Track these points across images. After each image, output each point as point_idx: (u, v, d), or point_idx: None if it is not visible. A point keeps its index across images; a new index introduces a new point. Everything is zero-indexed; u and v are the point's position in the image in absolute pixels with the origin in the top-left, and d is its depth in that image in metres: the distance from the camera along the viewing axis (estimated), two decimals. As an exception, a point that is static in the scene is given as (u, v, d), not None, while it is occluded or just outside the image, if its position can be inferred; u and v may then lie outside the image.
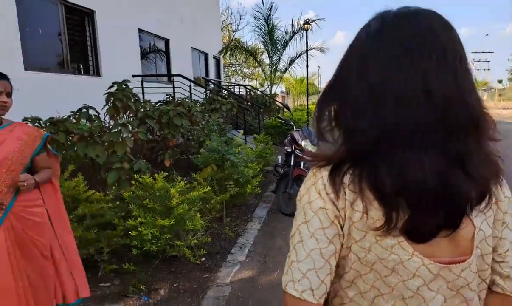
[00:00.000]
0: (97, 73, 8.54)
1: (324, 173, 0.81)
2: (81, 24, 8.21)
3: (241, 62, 26.47)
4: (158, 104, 6.98)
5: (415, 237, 0.75)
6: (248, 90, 16.55)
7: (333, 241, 0.79)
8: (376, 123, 0.74)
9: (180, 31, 12.81)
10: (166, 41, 12.30)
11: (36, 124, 3.80)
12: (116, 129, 4.07)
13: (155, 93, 8.94)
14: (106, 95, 5.64)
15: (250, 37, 45.17)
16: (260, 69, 18.43)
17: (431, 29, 0.74)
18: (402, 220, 0.73)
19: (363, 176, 0.75)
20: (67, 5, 7.63)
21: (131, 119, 5.93)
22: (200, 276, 3.51)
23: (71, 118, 4.91)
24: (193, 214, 3.77)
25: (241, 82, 25.63)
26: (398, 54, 0.74)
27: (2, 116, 2.20)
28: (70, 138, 3.93)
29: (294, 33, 15.42)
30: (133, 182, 3.73)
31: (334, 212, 0.78)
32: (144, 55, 11.28)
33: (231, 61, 29.34)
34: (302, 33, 15.02)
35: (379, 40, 0.77)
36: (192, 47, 14.18)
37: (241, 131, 9.58)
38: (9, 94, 2.12)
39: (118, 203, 3.58)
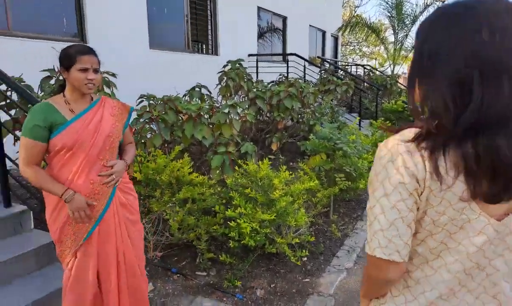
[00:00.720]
0: (215, 52, 8.65)
1: (402, 148, 0.86)
2: (202, 3, 8.33)
3: (360, 40, 24.85)
4: (270, 84, 6.71)
5: (489, 200, 0.83)
6: (366, 70, 15.38)
7: (412, 209, 0.87)
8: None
9: (298, 8, 12.33)
10: (284, 19, 11.97)
11: (151, 101, 3.81)
12: (224, 111, 3.88)
13: (269, 73, 8.73)
14: (219, 74, 5.56)
15: (374, 12, 42.14)
16: (381, 47, 16.95)
17: None
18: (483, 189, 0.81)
19: (457, 152, 0.81)
20: (190, -16, 7.78)
21: (243, 100, 5.77)
22: (300, 280, 3.14)
23: (186, 97, 4.93)
24: (296, 207, 3.41)
25: (358, 62, 24.13)
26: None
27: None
28: (181, 117, 3.85)
29: (427, 5, 13.64)
30: (236, 168, 3.51)
31: (413, 185, 0.85)
32: (261, 34, 11.15)
33: (350, 40, 27.84)
34: (437, 5, 13.18)
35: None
36: (310, 25, 13.61)
37: (357, 117, 8.80)
38: (96, 71, 1.96)
39: (219, 189, 3.39)
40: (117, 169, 2.07)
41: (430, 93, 0.83)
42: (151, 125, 3.54)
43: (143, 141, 3.50)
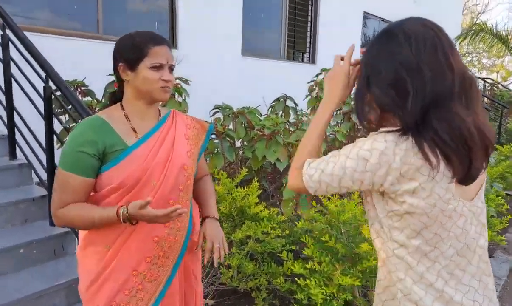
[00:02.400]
0: (313, 61, 7.82)
1: (390, 137, 0.93)
2: (303, 8, 7.59)
3: (481, 50, 21.57)
4: (370, 97, 5.65)
5: (464, 181, 0.93)
6: (488, 84, 12.98)
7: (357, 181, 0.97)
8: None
9: (411, 13, 10.76)
10: (393, 26, 10.59)
11: (218, 114, 3.17)
12: (305, 128, 3.06)
13: (371, 83, 7.60)
14: (310, 83, 4.73)
15: (500, 18, 36.39)
16: (505, 59, 14.19)
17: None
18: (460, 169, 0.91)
19: (429, 142, 0.90)
20: (291, -11, 7.10)
21: (336, 114, 4.85)
22: None
23: (269, 110, 4.23)
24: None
25: (477, 75, 20.90)
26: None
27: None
28: (255, 134, 3.14)
29: None
30: (313, 203, 2.66)
31: (382, 172, 0.93)
32: (366, 43, 9.98)
33: (468, 50, 24.44)
34: None
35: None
36: (422, 33, 11.91)
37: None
38: (172, 69, 1.30)
39: (287, 231, 2.57)
40: (215, 233, 1.38)
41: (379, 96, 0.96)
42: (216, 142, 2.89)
43: (207, 160, 2.87)
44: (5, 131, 3.07)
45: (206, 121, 1.58)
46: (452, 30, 13.49)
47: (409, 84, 0.91)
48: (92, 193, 1.28)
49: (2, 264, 2.32)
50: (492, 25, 11.82)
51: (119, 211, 1.19)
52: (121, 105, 1.30)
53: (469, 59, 26.21)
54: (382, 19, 10.08)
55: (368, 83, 0.99)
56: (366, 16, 9.46)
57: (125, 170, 1.21)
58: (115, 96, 1.36)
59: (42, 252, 2.51)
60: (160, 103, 1.38)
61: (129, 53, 1.24)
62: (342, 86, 1.11)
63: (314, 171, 1.00)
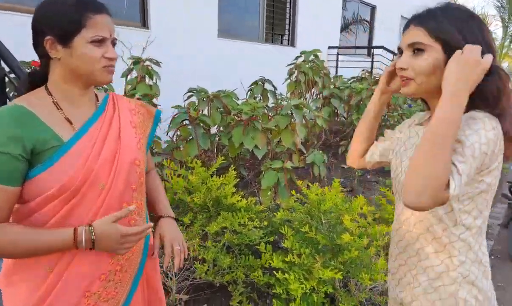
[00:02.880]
0: (292, 43, 7.65)
1: (496, 123, 0.91)
2: (281, -11, 7.37)
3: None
4: (351, 81, 5.55)
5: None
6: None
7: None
8: None
9: (389, -3, 10.74)
10: (373, 9, 10.50)
11: (193, 98, 2.99)
12: (285, 112, 2.91)
13: (351, 68, 7.50)
14: (289, 67, 4.58)
15: (477, 2, 36.86)
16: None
17: None
18: None
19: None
20: (268, -32, 6.86)
21: (316, 98, 4.74)
22: None
23: (248, 93, 4.05)
24: (374, 252, 2.34)
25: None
26: None
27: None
28: (231, 120, 2.98)
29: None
30: (293, 192, 2.54)
31: (489, 159, 0.90)
32: (345, 26, 9.86)
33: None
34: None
35: None
36: (401, 16, 11.88)
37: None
38: (115, 44, 1.05)
39: (266, 223, 2.43)
40: (173, 235, 1.20)
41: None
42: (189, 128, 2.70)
43: (181, 148, 2.69)
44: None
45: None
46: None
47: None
48: (16, 205, 0.98)
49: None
50: (471, 9, 11.91)
51: (78, 233, 0.95)
52: (47, 90, 1.02)
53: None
54: (362, 2, 9.97)
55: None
56: (346, -2, 9.32)
57: (64, 172, 0.96)
58: (35, 78, 1.06)
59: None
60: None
61: (61, 24, 0.96)
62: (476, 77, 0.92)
63: (461, 178, 0.85)
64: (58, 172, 0.96)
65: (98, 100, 1.12)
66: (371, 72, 7.42)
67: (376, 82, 4.90)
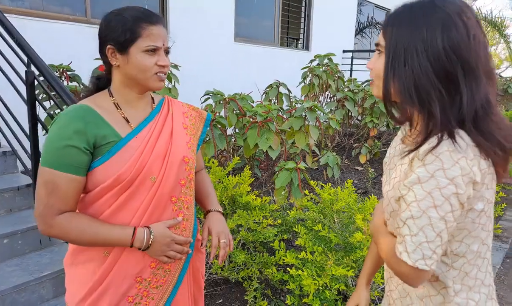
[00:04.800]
0: (306, 47, 7.70)
1: (459, 155, 0.78)
2: (296, -6, 7.43)
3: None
4: (364, 84, 5.57)
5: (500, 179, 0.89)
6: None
7: (457, 218, 0.82)
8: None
9: (405, 1, 10.68)
10: (387, 12, 10.45)
11: (210, 101, 3.07)
12: (299, 114, 2.97)
13: (365, 71, 7.49)
14: (303, 70, 4.63)
15: (495, 5, 35.97)
16: (497, 47, 14.13)
17: None
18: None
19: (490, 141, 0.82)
20: (283, -27, 6.93)
21: (330, 101, 4.77)
22: None
23: (263, 96, 4.13)
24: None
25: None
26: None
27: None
28: (248, 121, 3.05)
29: None
30: (306, 192, 2.59)
31: (468, 193, 0.80)
32: (360, 30, 9.85)
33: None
34: None
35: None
36: (417, 20, 11.78)
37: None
38: (168, 52, 1.14)
39: (279, 221, 2.49)
40: (221, 228, 1.26)
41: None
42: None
43: (197, 147, 2.77)
44: (-13, 118, 2.95)
45: (205, 109, 1.47)
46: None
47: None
48: (81, 195, 1.09)
49: (-16, 255, 2.23)
50: (487, 12, 11.72)
51: (139, 233, 1.06)
52: (109, 92, 1.14)
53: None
54: (377, 6, 9.95)
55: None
56: (361, 2, 9.31)
57: (120, 164, 1.05)
58: (100, 81, 1.18)
59: (27, 242, 2.42)
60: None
61: (119, 34, 1.06)
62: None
63: (420, 253, 0.81)
64: (114, 165, 1.05)
65: (154, 103, 1.21)
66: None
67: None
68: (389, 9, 10.30)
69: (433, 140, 0.80)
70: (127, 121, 1.12)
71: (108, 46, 1.08)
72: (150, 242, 1.08)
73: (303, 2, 7.54)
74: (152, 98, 1.23)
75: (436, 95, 0.80)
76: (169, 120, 1.19)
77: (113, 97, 1.13)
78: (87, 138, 1.02)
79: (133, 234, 1.06)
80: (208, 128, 2.53)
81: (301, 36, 7.68)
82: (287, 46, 7.44)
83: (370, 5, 9.74)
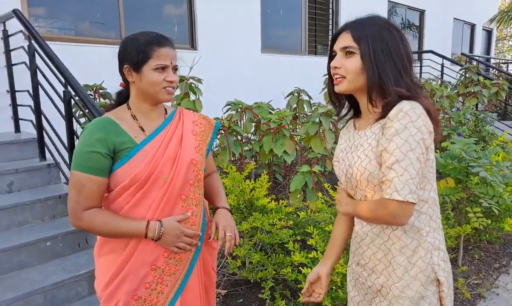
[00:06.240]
0: (335, 53, 7.71)
1: (419, 111, 1.05)
2: (324, 1, 7.49)
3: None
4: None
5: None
6: (529, 68, 12.16)
7: (424, 162, 1.08)
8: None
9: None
10: (421, 13, 10.20)
11: (231, 111, 3.24)
12: (314, 120, 3.06)
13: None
14: (324, 77, 4.69)
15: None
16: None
17: None
18: None
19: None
20: (310, -17, 7.04)
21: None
22: None
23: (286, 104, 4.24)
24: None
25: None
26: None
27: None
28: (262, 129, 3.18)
29: None
30: (319, 194, 2.66)
31: (429, 140, 1.08)
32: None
33: (509, 34, 23.01)
34: None
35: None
36: (455, 18, 11.37)
37: None
38: (176, 69, 1.33)
39: (291, 222, 2.58)
40: (227, 223, 1.41)
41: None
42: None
43: (216, 155, 2.94)
44: (35, 134, 3.31)
45: (217, 118, 1.62)
46: (487, 13, 12.77)
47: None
48: (105, 194, 1.29)
49: (29, 256, 2.52)
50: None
51: (151, 226, 1.24)
52: (128, 105, 1.34)
53: (511, 43, 24.66)
54: (409, 7, 9.74)
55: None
56: (393, 5, 9.18)
57: (135, 166, 1.24)
58: (121, 96, 1.39)
59: (67, 245, 2.69)
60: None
61: (134, 55, 1.26)
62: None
63: (407, 188, 1.02)
64: (131, 167, 1.25)
65: (166, 114, 1.41)
66: (420, 77, 7.22)
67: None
68: (423, 10, 10.06)
69: (399, 105, 1.06)
70: (142, 129, 1.31)
71: (125, 66, 1.29)
72: (161, 233, 1.25)
73: (330, 9, 7.58)
74: (166, 110, 1.42)
75: (400, 78, 1.11)
76: (180, 128, 1.37)
77: (130, 109, 1.33)
78: (108, 145, 1.22)
79: (146, 226, 1.24)
80: (223, 136, 2.69)
81: (329, 43, 7.73)
82: (315, 54, 7.50)
83: (402, 7, 9.57)
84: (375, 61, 1.10)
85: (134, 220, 1.26)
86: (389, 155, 1.05)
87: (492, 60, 14.03)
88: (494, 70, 11.20)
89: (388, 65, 1.11)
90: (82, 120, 2.95)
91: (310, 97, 4.10)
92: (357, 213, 1.18)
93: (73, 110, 2.89)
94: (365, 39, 1.12)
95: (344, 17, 7.59)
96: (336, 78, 1.17)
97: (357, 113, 1.30)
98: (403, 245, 1.14)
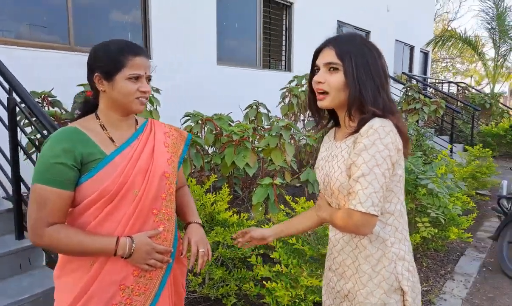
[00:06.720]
0: (288, 68, 7.91)
1: (388, 129, 1.11)
2: (277, 18, 7.68)
3: (454, 56, 22.20)
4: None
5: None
6: (460, 88, 13.35)
7: (390, 177, 1.14)
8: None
9: (383, 22, 11.08)
10: (367, 34, 10.81)
11: (189, 122, 3.17)
12: (274, 132, 3.09)
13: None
14: (282, 91, 4.79)
15: (470, 26, 37.84)
16: (478, 64, 14.64)
17: None
18: None
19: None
20: (265, -2, 7.19)
21: (310, 120, 4.92)
22: None
23: (244, 116, 4.25)
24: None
25: (452, 80, 21.44)
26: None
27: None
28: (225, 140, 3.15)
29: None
30: (282, 206, 2.68)
31: (396, 157, 1.13)
32: (341, 50, 10.16)
33: (442, 56, 25.13)
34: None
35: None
36: (396, 40, 12.20)
37: (448, 140, 7.35)
38: (149, 79, 1.28)
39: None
40: (199, 238, 1.35)
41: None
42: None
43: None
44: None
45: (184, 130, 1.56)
46: (424, 37, 13.88)
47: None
48: (70, 209, 1.20)
49: (-37, 280, 2.25)
50: (462, 32, 12.20)
51: (119, 250, 1.15)
52: (96, 115, 1.27)
53: (444, 64, 26.94)
54: (356, 28, 10.29)
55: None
56: (340, 24, 9.64)
57: (104, 179, 1.16)
58: (88, 105, 1.31)
59: (7, 267, 2.44)
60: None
61: (106, 64, 1.20)
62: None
63: (370, 201, 1.08)
64: (100, 179, 1.16)
65: (137, 124, 1.34)
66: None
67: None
68: (368, 31, 10.69)
69: (370, 123, 1.11)
70: (112, 140, 1.24)
71: (96, 74, 1.21)
72: (132, 250, 1.17)
73: (284, 26, 7.80)
74: (136, 120, 1.35)
75: (378, 95, 1.16)
76: (151, 139, 1.31)
77: (99, 119, 1.26)
78: (74, 156, 1.14)
79: (116, 243, 1.16)
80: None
81: (283, 57, 7.91)
82: (270, 68, 7.64)
83: (349, 27, 10.09)
84: (357, 78, 1.14)
85: (102, 236, 1.17)
86: (357, 169, 1.10)
87: (429, 80, 15.19)
88: (432, 89, 12.14)
89: (368, 82, 1.15)
90: (28, 130, 2.73)
91: (268, 111, 4.15)
92: (332, 220, 1.23)
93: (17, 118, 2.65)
94: (348, 56, 1.15)
95: (298, 33, 7.85)
96: (319, 94, 1.20)
97: (337, 123, 1.34)
98: (368, 254, 1.20)
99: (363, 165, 1.09)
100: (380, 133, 1.09)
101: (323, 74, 1.18)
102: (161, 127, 1.38)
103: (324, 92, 1.19)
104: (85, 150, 1.17)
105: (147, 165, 1.24)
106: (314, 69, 1.24)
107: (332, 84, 1.17)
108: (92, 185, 1.16)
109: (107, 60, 1.20)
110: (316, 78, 1.20)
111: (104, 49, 1.22)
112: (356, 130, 1.15)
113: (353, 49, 1.16)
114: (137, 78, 1.21)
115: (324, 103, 1.20)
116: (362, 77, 1.14)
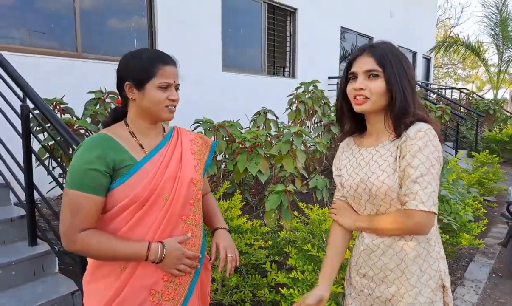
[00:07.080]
0: (293, 75, 7.96)
1: (434, 131, 1.18)
2: (282, 24, 7.75)
3: (456, 62, 22.29)
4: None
5: None
6: (464, 94, 13.40)
7: None
8: None
9: (386, 28, 11.16)
10: (370, 40, 10.88)
11: (199, 129, 3.20)
12: (286, 139, 3.11)
13: (350, 95, 7.76)
14: (289, 97, 4.82)
15: (472, 32, 38.06)
16: (480, 70, 14.72)
17: None
18: None
19: None
20: (270, 4, 7.25)
21: (317, 126, 4.95)
22: None
23: (251, 123, 4.27)
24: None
25: (453, 86, 21.51)
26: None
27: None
28: (237, 147, 3.17)
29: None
30: (296, 213, 2.69)
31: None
32: (344, 56, 10.22)
33: (443, 62, 25.23)
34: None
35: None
36: (399, 46, 12.24)
37: (452, 146, 7.37)
38: (178, 88, 1.30)
39: (270, 242, 2.58)
40: (228, 243, 1.38)
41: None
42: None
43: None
44: (-19, 151, 3.01)
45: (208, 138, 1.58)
46: (426, 43, 13.97)
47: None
48: (100, 215, 1.21)
49: (-22, 287, 2.26)
50: (464, 38, 12.27)
51: (153, 248, 1.18)
52: (125, 123, 1.29)
53: (445, 70, 27.05)
54: (360, 34, 10.36)
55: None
56: (344, 31, 9.71)
57: (135, 185, 1.18)
58: (117, 112, 1.34)
59: (21, 273, 2.45)
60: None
61: (138, 73, 1.23)
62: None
63: (431, 200, 1.13)
64: (131, 185, 1.19)
65: (164, 132, 1.37)
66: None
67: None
68: (371, 37, 10.76)
69: (418, 126, 1.16)
70: (142, 147, 1.27)
71: (127, 82, 1.24)
72: (163, 255, 1.19)
73: (288, 33, 7.85)
74: (163, 128, 1.38)
75: (415, 100, 1.22)
76: (179, 146, 1.34)
77: (128, 127, 1.29)
78: (106, 162, 1.16)
79: (147, 248, 1.18)
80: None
81: (287, 64, 7.96)
82: (274, 74, 7.69)
83: (352, 33, 10.16)
84: (401, 83, 1.19)
85: (133, 241, 1.19)
86: (414, 170, 1.13)
87: (431, 86, 15.26)
88: (435, 94, 12.19)
89: (408, 88, 1.20)
90: (40, 136, 2.75)
91: (277, 117, 4.18)
92: (374, 226, 1.24)
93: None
94: (389, 63, 1.20)
95: (302, 40, 7.91)
96: (359, 99, 1.22)
97: (355, 131, 1.38)
98: (416, 255, 1.23)
99: (421, 165, 1.12)
100: (429, 135, 1.14)
101: (363, 81, 1.21)
102: (187, 135, 1.41)
103: (365, 98, 1.22)
104: (117, 156, 1.19)
105: (176, 171, 1.27)
106: (349, 77, 1.26)
107: (374, 90, 1.20)
108: (123, 191, 1.18)
109: (139, 69, 1.23)
110: (357, 85, 1.22)
111: (135, 59, 1.25)
112: (399, 135, 1.20)
113: (390, 56, 1.20)
114: (166, 87, 1.24)
115: (364, 107, 1.23)
116: (404, 83, 1.19)
